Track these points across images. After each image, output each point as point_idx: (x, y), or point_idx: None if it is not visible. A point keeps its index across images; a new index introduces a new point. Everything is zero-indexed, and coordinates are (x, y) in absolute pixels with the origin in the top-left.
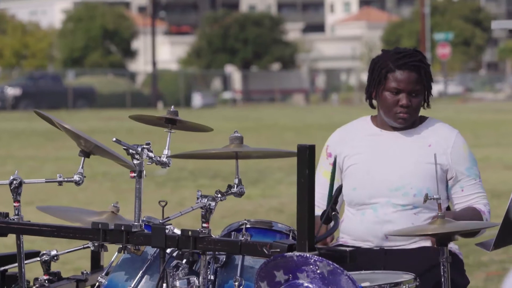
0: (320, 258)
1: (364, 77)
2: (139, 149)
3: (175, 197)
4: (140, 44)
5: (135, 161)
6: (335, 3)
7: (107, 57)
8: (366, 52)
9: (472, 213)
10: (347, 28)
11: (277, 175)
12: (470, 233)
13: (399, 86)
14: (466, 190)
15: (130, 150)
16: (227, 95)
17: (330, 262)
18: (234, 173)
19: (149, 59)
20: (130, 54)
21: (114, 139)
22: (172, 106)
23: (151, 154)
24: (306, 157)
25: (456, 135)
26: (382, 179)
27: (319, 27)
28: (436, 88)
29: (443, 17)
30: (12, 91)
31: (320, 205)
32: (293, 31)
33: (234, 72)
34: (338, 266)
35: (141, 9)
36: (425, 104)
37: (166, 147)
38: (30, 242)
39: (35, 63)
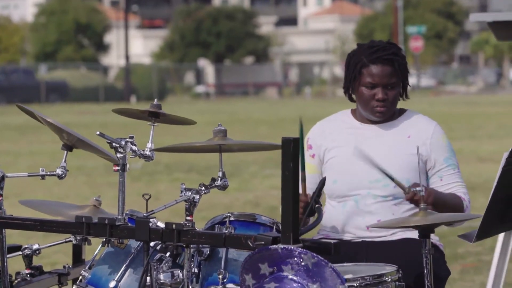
0: (304, 250)
1: (337, 70)
2: (123, 142)
3: (150, 191)
4: (112, 38)
5: (119, 155)
6: None
7: (79, 51)
8: (339, 45)
9: (454, 198)
10: (320, 21)
11: (252, 168)
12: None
13: (373, 81)
14: (445, 180)
15: (114, 144)
16: (200, 89)
17: (314, 254)
18: (209, 167)
19: (122, 53)
20: (103, 48)
21: (98, 132)
22: (156, 100)
23: (134, 148)
24: (291, 150)
25: (435, 126)
26: (363, 171)
27: (292, 21)
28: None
29: (416, 10)
30: None
31: None
32: (266, 25)
33: (207, 66)
34: (322, 258)
35: (114, 3)
36: (404, 95)
37: (150, 140)
38: (7, 237)
39: (7, 58)
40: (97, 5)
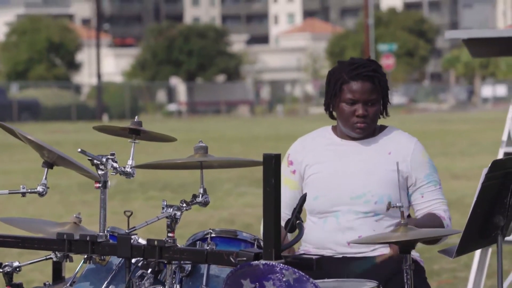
0: (286, 266)
1: (309, 88)
2: (104, 159)
3: (125, 209)
4: (84, 56)
5: (100, 172)
6: (279, 15)
7: (51, 70)
8: (311, 63)
9: (433, 219)
10: (291, 39)
11: (226, 186)
12: (432, 240)
13: (354, 97)
14: (426, 197)
15: (95, 161)
16: (172, 107)
17: (296, 270)
18: (183, 184)
19: (94, 71)
20: (75, 66)
21: (79, 150)
22: (136, 117)
23: (115, 165)
24: (272, 166)
25: (416, 143)
26: (344, 187)
27: (263, 39)
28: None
29: (387, 28)
30: None
31: (283, 213)
32: (237, 43)
33: (179, 84)
34: (303, 274)
35: (85, 21)
36: (384, 113)
37: (131, 158)
38: None
39: None
40: (68, 24)
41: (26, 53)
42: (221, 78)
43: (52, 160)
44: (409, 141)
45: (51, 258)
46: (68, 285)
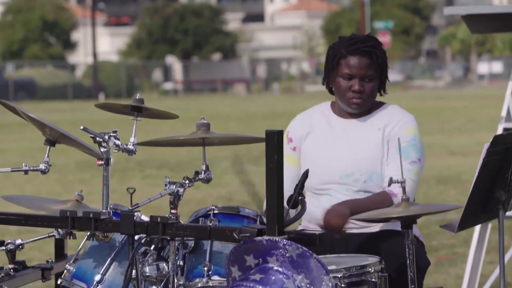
0: (289, 242)
1: (305, 66)
2: (106, 137)
3: (122, 188)
4: (79, 35)
5: (102, 149)
6: None
7: (46, 49)
8: (306, 41)
9: (378, 200)
10: (286, 17)
11: (224, 164)
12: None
13: (350, 72)
14: (389, 166)
15: (97, 138)
16: (168, 85)
17: (299, 245)
18: (180, 162)
19: (89, 50)
20: (70, 45)
21: (81, 127)
22: (138, 95)
23: (118, 142)
24: (275, 143)
25: (407, 119)
26: (333, 166)
27: (258, 17)
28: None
29: (383, 6)
30: None
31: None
32: (233, 21)
33: (174, 63)
34: (306, 249)
35: (80, 0)
36: (382, 90)
37: (133, 135)
38: None
39: None
40: (63, 2)
41: (21, 32)
42: (217, 56)
43: (54, 138)
44: (402, 117)
45: (53, 235)
46: (71, 262)
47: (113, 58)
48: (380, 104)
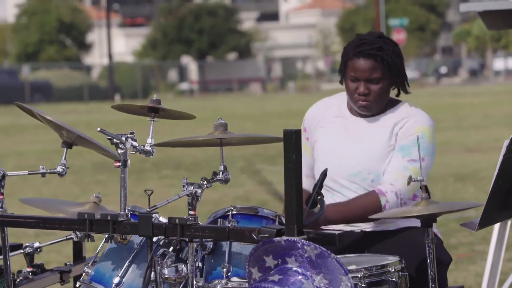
0: (307, 242)
1: (320, 64)
2: (123, 138)
3: (139, 189)
4: (95, 37)
5: (120, 151)
6: None
7: (62, 51)
8: (321, 39)
9: (365, 200)
10: (301, 16)
11: (241, 164)
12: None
13: (355, 74)
14: (390, 166)
15: (114, 140)
16: (184, 86)
17: (317, 245)
18: (197, 163)
19: (105, 51)
20: (85, 47)
21: (98, 129)
22: (155, 95)
23: (135, 143)
24: (293, 142)
25: (423, 117)
26: (342, 164)
27: (273, 16)
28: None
29: (398, 3)
30: None
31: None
32: (247, 21)
33: (190, 63)
34: (325, 249)
35: (95, 2)
36: (401, 90)
37: (150, 136)
38: None
39: None
40: (78, 4)
41: (37, 34)
42: (232, 56)
43: (71, 140)
44: (412, 114)
45: (71, 238)
46: (89, 264)
47: (129, 59)
48: (395, 103)
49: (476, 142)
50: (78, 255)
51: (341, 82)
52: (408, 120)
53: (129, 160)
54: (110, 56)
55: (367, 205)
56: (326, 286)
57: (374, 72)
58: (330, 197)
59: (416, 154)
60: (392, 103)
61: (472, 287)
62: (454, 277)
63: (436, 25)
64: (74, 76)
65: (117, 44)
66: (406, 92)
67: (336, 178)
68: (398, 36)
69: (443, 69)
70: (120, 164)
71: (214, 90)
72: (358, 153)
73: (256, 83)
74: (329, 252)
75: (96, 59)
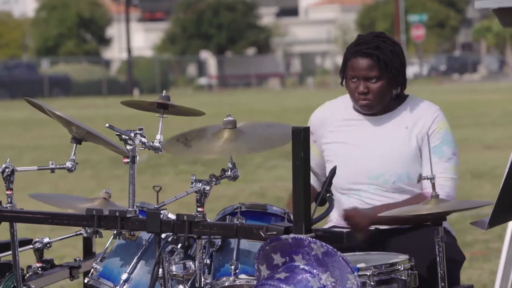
0: (313, 239)
1: (339, 60)
2: (132, 134)
3: (155, 184)
4: (114, 31)
5: (128, 147)
6: None
7: (81, 45)
8: (341, 35)
9: (414, 202)
10: (321, 11)
11: (257, 159)
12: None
13: (354, 73)
14: (424, 169)
15: (123, 136)
16: (202, 81)
17: (323, 243)
18: (213, 159)
19: (124, 46)
20: (105, 41)
21: (107, 125)
22: (164, 91)
23: (144, 140)
24: (301, 139)
25: (435, 112)
26: (361, 166)
27: (292, 11)
28: (412, 70)
29: None
30: None
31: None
32: (267, 16)
33: (209, 58)
34: (331, 247)
35: None
36: (399, 89)
37: (159, 132)
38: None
39: (8, 53)
40: None
41: (56, 28)
42: (251, 51)
43: (80, 136)
44: (428, 112)
45: (81, 234)
46: (98, 260)
47: (148, 53)
48: (403, 99)
49: (494, 140)
50: (88, 251)
51: (342, 83)
52: (425, 119)
53: (147, 155)
54: (129, 51)
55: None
56: (333, 284)
57: (372, 71)
58: (345, 200)
59: (449, 151)
60: (401, 99)
61: (487, 285)
62: (469, 274)
63: (456, 21)
64: (93, 70)
65: (136, 39)
66: (402, 90)
67: (355, 180)
68: (417, 32)
69: (442, 67)
70: (128, 160)
71: (233, 85)
72: (377, 155)
73: (275, 78)
74: (335, 250)
75: (115, 53)
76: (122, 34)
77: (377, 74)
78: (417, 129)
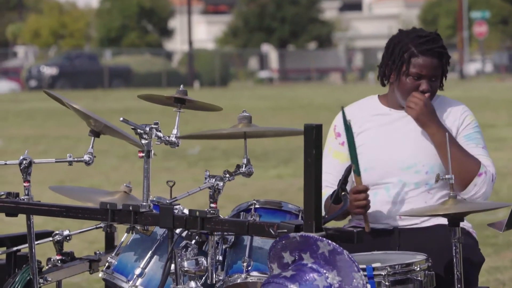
0: (320, 238)
1: None
2: (147, 128)
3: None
4: (176, 23)
5: (143, 141)
6: None
7: (143, 37)
8: None
9: (470, 156)
10: (384, 6)
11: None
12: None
13: (421, 72)
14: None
15: (138, 130)
16: (263, 74)
17: (330, 242)
18: (266, 152)
19: (186, 38)
20: (167, 33)
21: (121, 118)
22: (181, 86)
23: (159, 134)
24: (313, 137)
25: (463, 108)
26: (393, 158)
27: (356, 6)
28: (474, 67)
29: None
30: (49, 71)
31: (334, 186)
32: (329, 10)
33: (270, 51)
34: (337, 245)
35: None
36: (441, 86)
37: (175, 127)
38: (49, 221)
39: (72, 43)
40: None
41: (119, 20)
42: (312, 45)
43: (98, 129)
44: (457, 108)
45: (100, 227)
46: (113, 254)
47: (210, 46)
48: (434, 98)
49: None
50: (110, 244)
51: (384, 77)
52: (456, 112)
53: (199, 147)
54: (190, 43)
55: (470, 160)
56: (339, 283)
57: (438, 70)
58: (372, 196)
59: (482, 142)
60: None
61: None
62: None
63: None
64: (154, 62)
65: (198, 31)
66: (441, 88)
67: (385, 174)
68: (480, 29)
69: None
70: (143, 154)
71: (294, 79)
72: (409, 146)
73: (336, 73)
74: (341, 248)
75: (177, 45)
76: (184, 26)
77: (439, 73)
78: (449, 122)
